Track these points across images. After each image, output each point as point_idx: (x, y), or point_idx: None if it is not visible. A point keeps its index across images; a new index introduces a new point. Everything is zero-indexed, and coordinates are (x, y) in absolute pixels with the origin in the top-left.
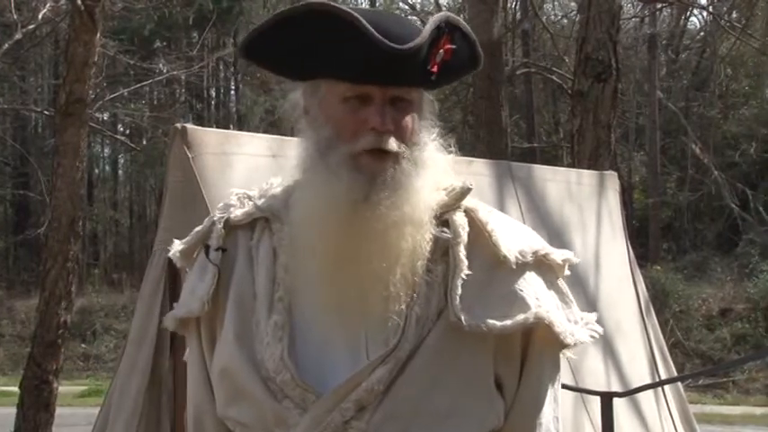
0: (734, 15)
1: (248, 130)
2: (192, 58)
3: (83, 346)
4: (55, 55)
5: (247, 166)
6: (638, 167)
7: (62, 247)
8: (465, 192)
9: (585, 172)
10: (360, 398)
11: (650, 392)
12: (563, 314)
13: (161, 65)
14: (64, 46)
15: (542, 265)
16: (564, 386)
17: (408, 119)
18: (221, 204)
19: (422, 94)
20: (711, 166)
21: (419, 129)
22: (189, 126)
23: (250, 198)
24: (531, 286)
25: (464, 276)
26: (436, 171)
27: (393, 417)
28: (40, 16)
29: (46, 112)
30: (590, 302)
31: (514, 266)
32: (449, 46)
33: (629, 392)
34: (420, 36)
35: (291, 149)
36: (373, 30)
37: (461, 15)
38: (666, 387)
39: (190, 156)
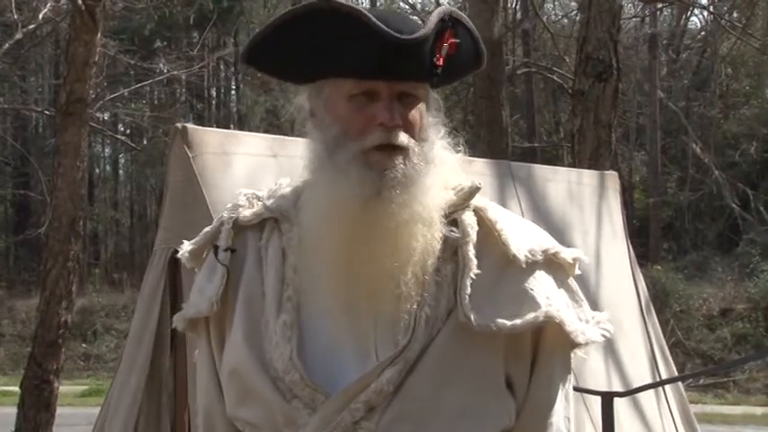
0: (734, 15)
1: (249, 130)
2: (193, 58)
3: (83, 345)
4: (55, 55)
5: (248, 166)
6: (639, 167)
7: (63, 247)
8: (474, 191)
9: (586, 172)
10: (369, 399)
11: (651, 392)
12: (574, 313)
13: (161, 65)
14: (64, 46)
15: (552, 264)
16: None
17: (416, 114)
18: (230, 205)
19: (428, 91)
20: (712, 166)
21: (427, 125)
22: (189, 126)
23: (259, 198)
24: (541, 285)
25: (473, 276)
26: (445, 169)
27: (403, 417)
28: (40, 16)
29: (46, 112)
30: (591, 302)
31: (524, 265)
32: (453, 40)
33: (630, 392)
34: (426, 27)
35: (292, 149)
36: (379, 22)
37: None
38: (667, 387)
39: (190, 155)
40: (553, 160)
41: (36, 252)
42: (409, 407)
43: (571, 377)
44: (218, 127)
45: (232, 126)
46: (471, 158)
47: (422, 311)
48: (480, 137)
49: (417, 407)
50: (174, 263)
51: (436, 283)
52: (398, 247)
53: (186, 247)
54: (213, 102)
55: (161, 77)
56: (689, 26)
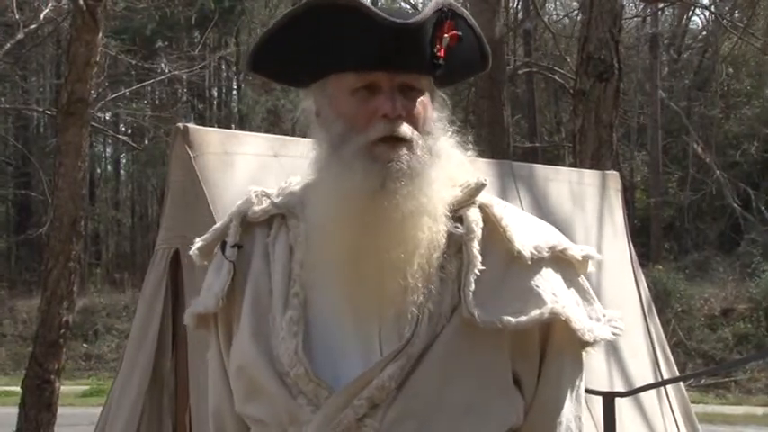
0: (736, 15)
1: (250, 130)
2: (194, 58)
3: (85, 345)
4: (57, 55)
5: (249, 166)
6: (640, 167)
7: (64, 247)
8: (479, 187)
9: (587, 171)
10: (372, 395)
11: (652, 392)
12: (583, 311)
13: (163, 64)
14: (66, 46)
15: (560, 261)
16: None
17: (419, 107)
18: (240, 201)
19: (431, 84)
20: (713, 166)
21: (431, 118)
22: (190, 126)
23: (268, 196)
24: (547, 282)
25: (477, 272)
26: (450, 164)
27: (407, 414)
28: (41, 16)
29: (48, 112)
30: None
31: (530, 262)
32: (454, 32)
33: (631, 392)
34: (422, 13)
35: (293, 149)
36: (376, 10)
37: None
38: (669, 387)
39: (191, 155)
40: (554, 160)
41: (37, 252)
42: (413, 404)
43: (583, 376)
44: (219, 127)
45: (233, 126)
46: (472, 158)
47: (425, 308)
48: (482, 137)
49: (422, 404)
50: (175, 263)
51: (441, 280)
52: (404, 238)
53: (196, 243)
54: (214, 102)
55: (162, 77)
56: (690, 26)
